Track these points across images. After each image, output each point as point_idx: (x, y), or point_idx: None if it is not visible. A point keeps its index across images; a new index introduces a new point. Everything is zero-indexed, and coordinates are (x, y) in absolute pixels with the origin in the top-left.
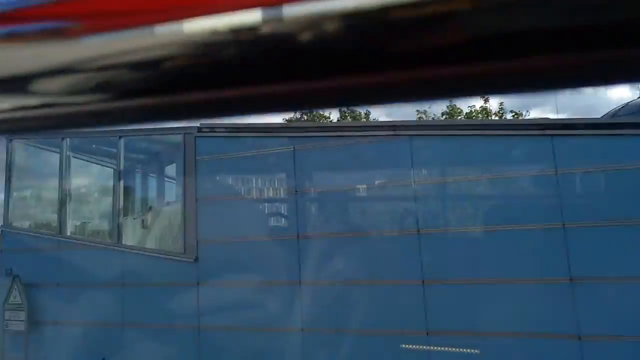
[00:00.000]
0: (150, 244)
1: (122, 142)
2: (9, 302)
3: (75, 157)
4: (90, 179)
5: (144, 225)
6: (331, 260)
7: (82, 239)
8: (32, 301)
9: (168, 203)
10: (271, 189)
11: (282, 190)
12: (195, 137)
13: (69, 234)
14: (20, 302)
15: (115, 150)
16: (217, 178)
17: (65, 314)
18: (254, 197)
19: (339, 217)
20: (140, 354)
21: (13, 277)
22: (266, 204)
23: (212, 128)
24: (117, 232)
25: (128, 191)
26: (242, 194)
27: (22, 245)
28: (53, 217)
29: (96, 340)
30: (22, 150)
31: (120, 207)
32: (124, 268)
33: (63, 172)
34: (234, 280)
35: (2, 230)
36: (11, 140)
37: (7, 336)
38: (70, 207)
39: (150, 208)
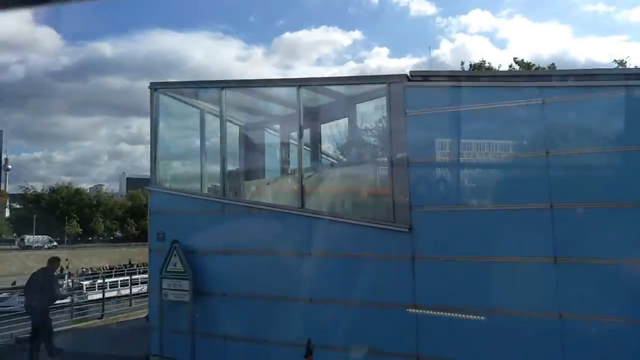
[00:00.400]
0: (330, 208)
1: (300, 93)
2: (167, 269)
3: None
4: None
5: (308, 187)
6: (604, 235)
7: (253, 202)
8: (194, 269)
9: (340, 163)
10: (508, 148)
11: (523, 150)
12: (405, 87)
13: (233, 195)
14: (183, 269)
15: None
16: (435, 136)
17: (237, 285)
18: (483, 158)
19: (611, 183)
20: (341, 336)
21: (172, 242)
22: (502, 166)
23: (426, 76)
24: (299, 195)
25: (295, 149)
26: (468, 154)
27: (175, 208)
28: (210, 178)
29: (275, 316)
30: (169, 104)
31: (299, 167)
32: (310, 235)
33: (222, 130)
34: (460, 255)
35: (150, 191)
36: (156, 89)
37: (166, 307)
38: (230, 168)
39: (321, 168)
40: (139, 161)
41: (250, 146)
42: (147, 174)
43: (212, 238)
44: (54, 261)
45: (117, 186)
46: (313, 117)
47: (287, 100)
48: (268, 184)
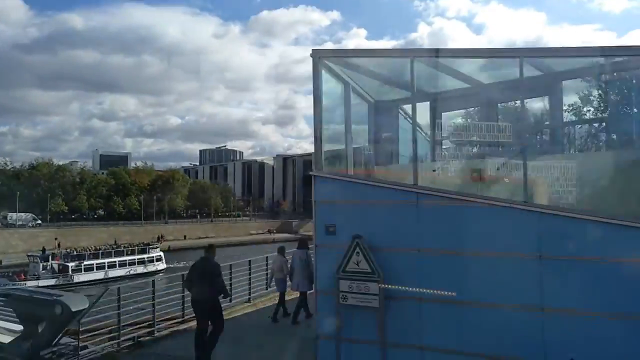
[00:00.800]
0: (558, 202)
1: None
2: (347, 269)
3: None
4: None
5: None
6: None
7: (456, 192)
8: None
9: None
10: None
11: None
12: None
13: (429, 184)
14: (370, 270)
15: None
16: None
17: (437, 288)
18: None
19: None
20: (588, 353)
21: (354, 238)
22: None
23: None
24: (523, 187)
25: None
26: None
27: (348, 197)
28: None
29: (488, 326)
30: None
31: (522, 153)
32: (539, 235)
33: (413, 110)
34: None
35: (314, 177)
36: (320, 58)
37: (344, 312)
38: (425, 150)
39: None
40: (112, 138)
41: (381, 126)
42: (121, 151)
43: (402, 233)
44: (212, 248)
45: (89, 163)
46: (491, 95)
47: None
48: (434, 170)
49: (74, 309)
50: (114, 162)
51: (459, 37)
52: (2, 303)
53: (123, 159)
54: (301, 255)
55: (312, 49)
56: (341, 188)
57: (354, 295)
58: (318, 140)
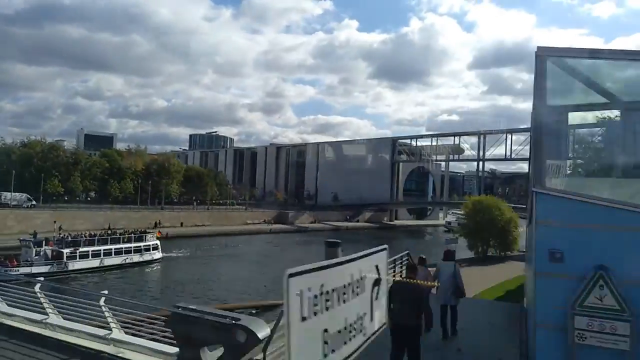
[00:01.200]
0: None
1: None
2: (585, 303)
3: None
4: None
5: None
6: None
7: None
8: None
9: None
10: None
11: None
12: None
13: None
14: (617, 307)
15: None
16: None
17: None
18: None
19: None
20: None
21: (596, 269)
22: None
23: None
24: None
25: None
26: None
27: (579, 219)
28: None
29: None
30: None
31: None
32: None
33: None
34: None
35: (535, 194)
36: (548, 56)
37: (581, 353)
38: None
39: None
40: (96, 117)
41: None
42: (106, 131)
43: None
44: (414, 269)
45: (74, 142)
46: None
47: None
48: None
49: (260, 336)
50: (99, 142)
51: (449, 34)
52: (162, 322)
53: (108, 140)
54: (449, 267)
55: (538, 47)
56: (571, 208)
57: (594, 334)
58: (541, 149)
